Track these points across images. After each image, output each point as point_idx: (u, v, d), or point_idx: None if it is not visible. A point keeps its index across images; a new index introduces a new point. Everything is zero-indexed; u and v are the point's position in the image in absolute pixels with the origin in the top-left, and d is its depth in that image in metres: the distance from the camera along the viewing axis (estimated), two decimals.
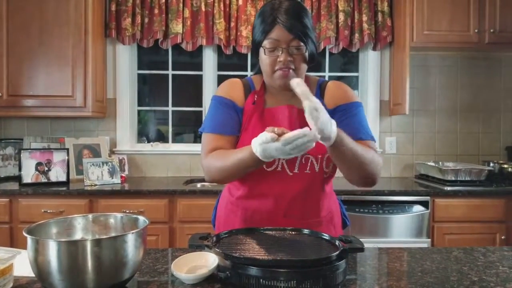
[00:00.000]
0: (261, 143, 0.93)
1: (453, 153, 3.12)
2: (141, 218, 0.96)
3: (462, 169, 2.60)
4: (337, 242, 0.96)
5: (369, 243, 2.31)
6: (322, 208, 1.23)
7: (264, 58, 1.14)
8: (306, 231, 1.06)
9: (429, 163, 2.86)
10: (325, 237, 1.02)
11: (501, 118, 3.14)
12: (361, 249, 0.93)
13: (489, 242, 2.44)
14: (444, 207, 2.44)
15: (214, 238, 0.98)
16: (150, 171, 3.03)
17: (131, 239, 0.84)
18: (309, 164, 1.16)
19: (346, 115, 1.20)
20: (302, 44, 1.11)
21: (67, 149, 2.67)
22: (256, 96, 1.21)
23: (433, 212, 2.44)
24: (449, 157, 3.08)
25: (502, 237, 2.45)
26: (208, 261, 0.93)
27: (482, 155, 3.12)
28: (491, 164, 2.86)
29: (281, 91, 1.20)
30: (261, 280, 0.83)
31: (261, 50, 1.14)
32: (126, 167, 2.91)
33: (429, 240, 2.43)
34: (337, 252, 0.88)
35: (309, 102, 0.92)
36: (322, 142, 0.97)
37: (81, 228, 0.99)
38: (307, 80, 1.25)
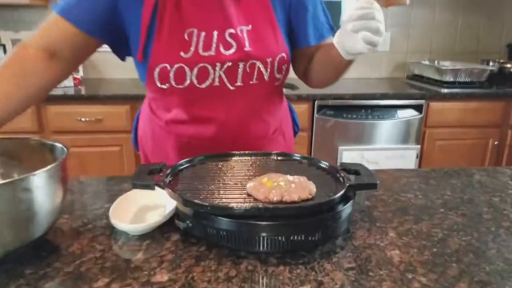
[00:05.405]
0: None
1: (449, 50, 2.82)
2: (59, 146, 0.66)
3: (462, 69, 2.33)
4: (341, 176, 0.70)
5: (353, 150, 2.12)
6: (273, 124, 0.96)
7: None
8: (297, 156, 0.80)
9: (424, 62, 2.57)
10: (322, 166, 0.76)
11: (505, 12, 2.79)
12: (374, 185, 0.67)
13: (481, 148, 2.31)
14: (439, 111, 2.23)
15: (170, 172, 0.70)
16: (109, 72, 2.62)
17: (38, 183, 0.55)
18: (255, 73, 0.85)
19: (299, 10, 0.89)
20: None
21: (3, 46, 2.22)
22: None
23: (426, 117, 2.23)
24: (445, 55, 2.79)
25: (495, 143, 2.31)
26: (161, 199, 0.67)
27: (480, 53, 2.83)
28: (491, 63, 2.60)
29: None
30: (235, 234, 0.58)
31: None
32: (81, 67, 2.51)
33: (418, 146, 2.27)
34: (342, 192, 0.63)
35: None
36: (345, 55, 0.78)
37: None
38: None
